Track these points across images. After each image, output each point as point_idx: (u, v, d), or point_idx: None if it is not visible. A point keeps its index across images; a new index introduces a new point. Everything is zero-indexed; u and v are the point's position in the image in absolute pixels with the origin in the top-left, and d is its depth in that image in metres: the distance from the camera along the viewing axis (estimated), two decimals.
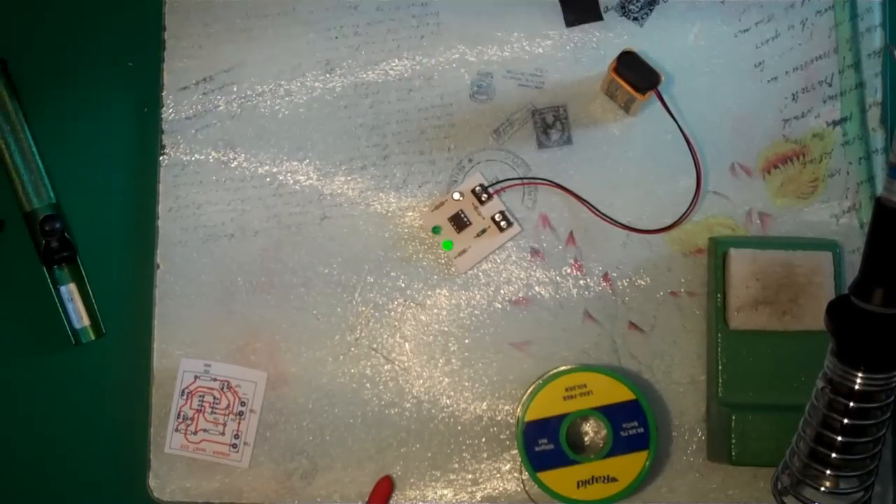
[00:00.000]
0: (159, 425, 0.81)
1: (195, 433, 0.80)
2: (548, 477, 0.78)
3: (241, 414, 0.80)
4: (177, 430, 0.80)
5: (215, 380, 0.80)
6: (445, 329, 0.82)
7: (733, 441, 0.76)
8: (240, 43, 0.84)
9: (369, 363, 0.82)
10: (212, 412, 0.80)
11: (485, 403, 0.81)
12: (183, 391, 0.80)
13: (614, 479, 0.78)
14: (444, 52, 0.83)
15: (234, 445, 0.80)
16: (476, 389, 0.81)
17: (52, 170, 0.84)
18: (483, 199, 0.81)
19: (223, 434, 0.80)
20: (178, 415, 0.80)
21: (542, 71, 0.83)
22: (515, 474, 0.81)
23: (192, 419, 0.80)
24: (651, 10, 0.83)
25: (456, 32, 0.83)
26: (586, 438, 0.80)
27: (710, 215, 0.82)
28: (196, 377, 0.80)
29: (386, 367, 0.82)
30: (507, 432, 0.81)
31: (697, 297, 0.81)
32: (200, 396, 0.80)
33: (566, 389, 0.79)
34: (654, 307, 0.82)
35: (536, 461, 0.78)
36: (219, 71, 0.83)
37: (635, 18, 0.83)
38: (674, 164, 0.82)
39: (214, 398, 0.80)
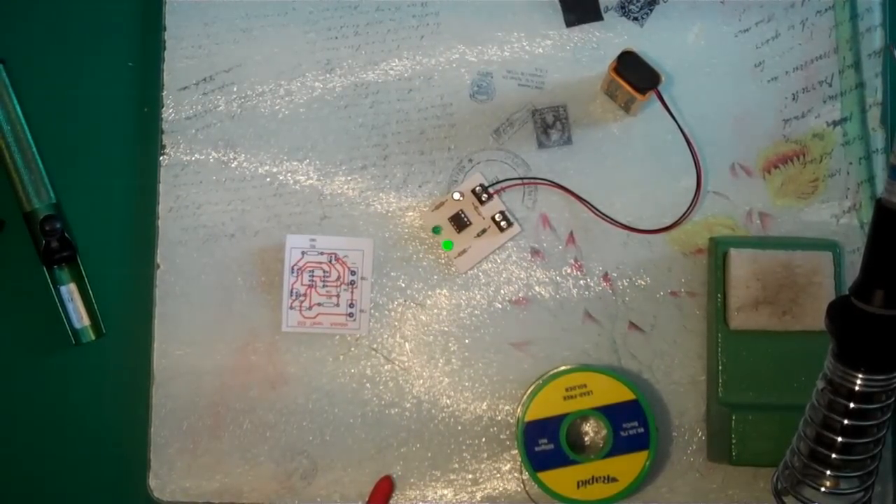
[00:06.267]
0: (159, 425, 0.81)
1: (310, 308, 0.81)
2: (548, 477, 0.78)
3: (352, 283, 0.80)
4: (291, 307, 0.80)
5: (322, 253, 0.81)
6: (445, 329, 0.82)
7: (733, 441, 0.76)
8: (240, 43, 0.84)
9: (369, 363, 0.82)
10: (323, 285, 0.80)
11: (485, 403, 0.81)
12: (292, 268, 0.81)
13: (614, 479, 0.78)
14: (444, 52, 0.83)
15: (351, 314, 0.80)
16: (476, 389, 0.82)
17: (52, 170, 0.84)
18: (483, 199, 0.81)
19: (338, 305, 0.81)
20: (291, 292, 0.80)
21: (542, 71, 0.83)
22: (515, 474, 0.81)
23: (304, 295, 0.80)
24: (651, 10, 0.83)
25: (456, 32, 0.83)
26: (586, 438, 0.81)
27: (710, 215, 0.82)
28: (303, 253, 0.80)
29: (386, 367, 0.82)
30: (507, 432, 0.81)
31: (697, 297, 0.82)
32: (310, 272, 0.80)
33: (566, 389, 0.79)
34: (654, 307, 0.82)
35: (536, 461, 0.78)
36: (219, 71, 0.83)
37: (635, 18, 0.83)
38: (674, 164, 0.82)
39: (324, 271, 0.80)
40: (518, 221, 0.82)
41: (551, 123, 0.83)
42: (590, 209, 0.82)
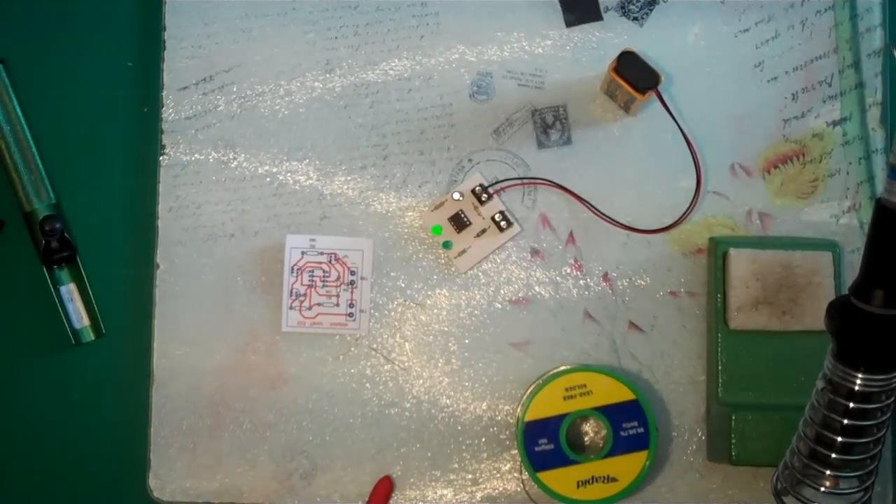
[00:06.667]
0: (159, 425, 0.81)
1: (310, 308, 0.81)
2: (548, 477, 0.78)
3: (352, 283, 0.80)
4: (291, 307, 0.80)
5: (322, 253, 0.81)
6: (445, 329, 0.82)
7: (733, 441, 0.76)
8: (240, 43, 0.84)
9: (369, 363, 0.82)
10: (323, 285, 0.80)
11: (485, 403, 0.81)
12: (292, 268, 0.81)
13: (614, 479, 0.78)
14: (443, 52, 0.83)
15: (351, 314, 0.81)
16: (476, 389, 0.82)
17: (52, 170, 0.84)
18: (483, 199, 0.81)
19: (338, 305, 0.81)
20: (291, 292, 0.80)
21: (542, 71, 0.83)
22: (515, 474, 0.81)
23: (304, 295, 0.80)
24: (651, 10, 0.83)
25: (456, 32, 0.83)
26: (586, 438, 0.81)
27: (710, 215, 0.82)
28: (303, 253, 0.80)
29: (386, 367, 0.82)
30: (507, 432, 0.81)
31: (697, 297, 0.82)
32: (310, 272, 0.80)
33: (566, 389, 0.79)
34: (654, 307, 0.82)
35: (536, 461, 0.78)
36: (219, 71, 0.83)
37: (635, 18, 0.83)
38: (674, 164, 0.82)
39: (324, 271, 0.80)
40: (518, 221, 0.82)
41: (551, 123, 0.83)
42: (590, 209, 0.82)
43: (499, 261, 0.82)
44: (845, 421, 0.67)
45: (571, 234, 0.82)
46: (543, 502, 0.80)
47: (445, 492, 0.81)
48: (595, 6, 0.83)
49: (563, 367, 0.80)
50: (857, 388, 0.66)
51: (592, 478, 0.78)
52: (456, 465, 0.81)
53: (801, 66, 0.83)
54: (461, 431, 0.81)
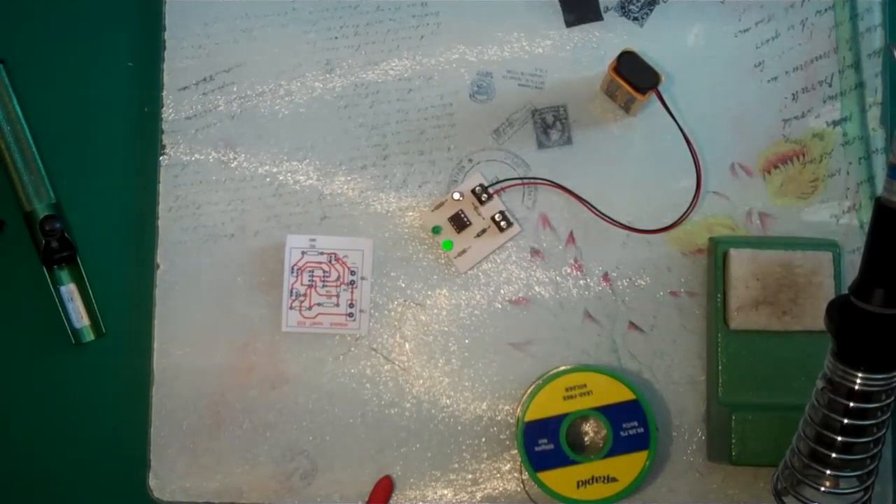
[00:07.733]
0: (159, 425, 0.81)
1: (310, 308, 0.81)
2: (548, 477, 0.78)
3: (352, 283, 0.80)
4: (291, 307, 0.80)
5: (322, 253, 0.81)
6: (445, 329, 0.82)
7: (733, 441, 0.76)
8: (240, 43, 0.84)
9: (369, 363, 0.82)
10: (323, 285, 0.80)
11: (485, 403, 0.81)
12: (292, 268, 0.81)
13: (614, 479, 0.78)
14: (443, 52, 0.83)
15: (351, 314, 0.81)
16: (476, 389, 0.82)
17: (52, 170, 0.84)
18: (483, 199, 0.81)
19: (338, 305, 0.81)
20: (291, 292, 0.80)
21: (542, 71, 0.83)
22: (515, 474, 0.81)
23: (304, 295, 0.80)
24: (651, 10, 0.83)
25: (456, 32, 0.83)
26: (586, 438, 0.80)
27: (710, 215, 0.82)
28: (303, 253, 0.80)
29: (386, 367, 0.82)
30: (507, 432, 0.81)
31: (697, 297, 0.82)
32: (310, 272, 0.80)
33: (566, 389, 0.79)
34: (654, 307, 0.82)
35: (536, 461, 0.78)
36: (219, 71, 0.83)
37: (635, 18, 0.83)
38: (674, 164, 0.82)
39: (324, 271, 0.80)
40: (518, 221, 0.82)
41: (551, 123, 0.83)
42: (590, 209, 0.82)
43: (499, 261, 0.82)
44: (845, 420, 0.67)
45: (571, 234, 0.82)
46: (543, 502, 0.80)
47: (445, 492, 0.81)
48: (595, 6, 0.83)
49: (563, 367, 0.80)
50: (856, 387, 0.66)
51: (592, 478, 0.78)
52: (456, 465, 0.81)
53: (801, 66, 0.83)
54: (461, 431, 0.81)
